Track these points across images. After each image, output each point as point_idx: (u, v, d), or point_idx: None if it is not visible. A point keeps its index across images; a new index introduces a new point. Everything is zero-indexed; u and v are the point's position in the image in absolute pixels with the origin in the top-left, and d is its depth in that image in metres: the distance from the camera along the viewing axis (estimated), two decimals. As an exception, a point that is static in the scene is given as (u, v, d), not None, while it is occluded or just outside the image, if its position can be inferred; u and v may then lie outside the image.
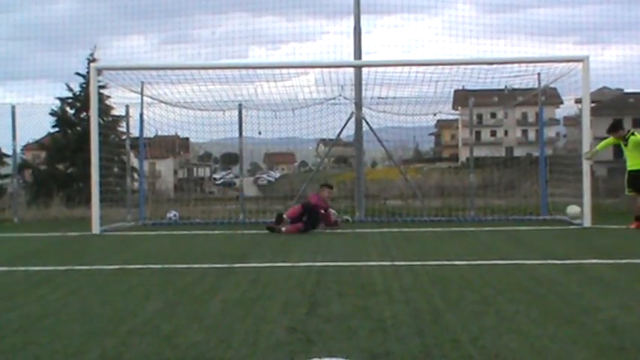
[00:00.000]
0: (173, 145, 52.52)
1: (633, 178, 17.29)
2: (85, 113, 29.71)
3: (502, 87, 28.31)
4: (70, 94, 31.56)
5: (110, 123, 28.84)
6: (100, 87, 23.49)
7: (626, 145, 17.48)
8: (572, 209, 18.52)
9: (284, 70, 20.90)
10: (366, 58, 22.15)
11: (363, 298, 8.81)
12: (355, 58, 21.36)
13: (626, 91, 60.35)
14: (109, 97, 27.36)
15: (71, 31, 31.47)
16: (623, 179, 18.15)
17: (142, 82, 20.89)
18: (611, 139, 18.41)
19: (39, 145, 33.94)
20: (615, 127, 18.02)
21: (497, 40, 35.01)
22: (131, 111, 22.54)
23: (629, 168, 17.46)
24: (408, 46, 44.41)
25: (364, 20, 21.96)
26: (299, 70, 23.34)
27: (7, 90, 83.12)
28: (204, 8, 33.74)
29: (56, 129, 32.02)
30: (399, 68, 20.56)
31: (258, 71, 20.82)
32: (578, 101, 20.36)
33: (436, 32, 44.57)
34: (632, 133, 17.56)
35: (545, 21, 30.17)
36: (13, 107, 22.73)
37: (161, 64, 21.25)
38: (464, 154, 76.58)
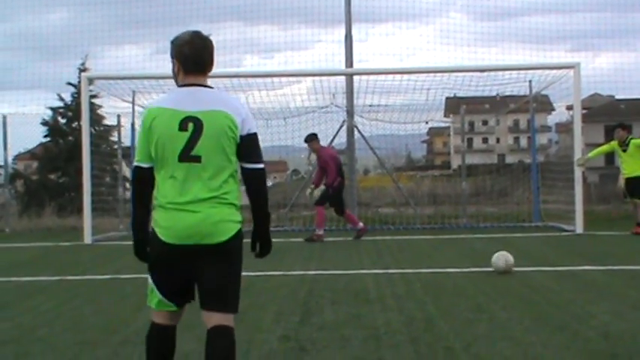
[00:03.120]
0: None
1: (633, 185, 17.08)
2: (76, 123, 29.56)
3: (494, 94, 28.38)
4: (61, 104, 31.47)
5: (102, 132, 28.77)
6: (92, 96, 23.45)
7: (624, 151, 17.23)
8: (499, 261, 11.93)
9: (276, 79, 20.91)
10: (359, 66, 22.13)
11: (356, 306, 8.81)
12: (347, 66, 21.33)
13: (617, 97, 60.45)
14: (100, 106, 27.26)
15: (64, 41, 31.43)
16: (615, 186, 17.99)
17: (134, 92, 20.85)
18: (604, 147, 18.40)
19: (31, 154, 33.87)
20: (623, 126, 17.83)
21: (489, 47, 35.14)
22: (123, 120, 22.53)
23: (626, 175, 17.25)
24: (400, 54, 44.50)
25: (357, 29, 22.02)
26: (291, 79, 23.32)
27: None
28: (198, 17, 33.75)
29: (48, 139, 31.91)
30: (391, 76, 20.56)
31: (251, 80, 20.82)
32: (570, 108, 20.36)
33: (428, 40, 44.78)
34: (632, 138, 17.43)
35: (537, 29, 30.17)
36: (4, 117, 22.65)
37: (151, 74, 21.11)
38: (456, 162, 76.72)
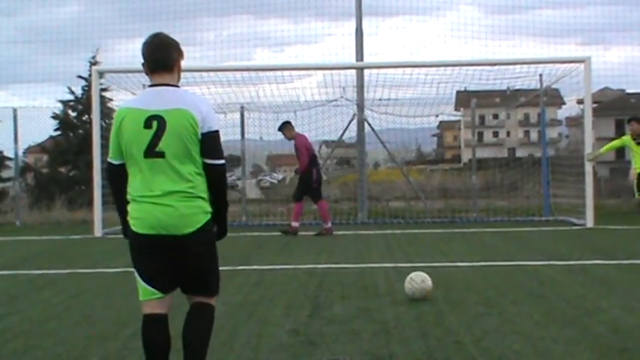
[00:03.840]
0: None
1: None
2: (87, 116, 29.62)
3: (504, 88, 28.31)
4: (72, 97, 31.50)
5: (112, 126, 28.83)
6: (102, 90, 23.41)
7: (639, 144, 17.01)
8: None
9: (287, 72, 20.89)
10: (369, 59, 22.10)
11: (365, 301, 8.81)
12: (357, 59, 21.32)
13: (628, 91, 60.29)
14: (111, 99, 27.27)
15: (75, 35, 31.45)
16: (625, 180, 17.85)
17: (144, 85, 20.83)
18: (615, 143, 18.25)
19: (41, 148, 33.87)
20: (638, 119, 17.65)
21: (499, 41, 34.94)
22: (133, 114, 22.49)
23: (638, 169, 17.09)
24: (411, 47, 44.38)
25: (368, 22, 22.00)
26: (302, 73, 23.26)
27: (10, 93, 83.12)
28: (208, 10, 33.75)
29: (58, 132, 31.94)
30: (401, 70, 20.55)
31: (261, 73, 20.84)
32: (580, 102, 20.27)
33: (439, 34, 44.69)
34: None
35: (548, 22, 30.24)
36: (15, 110, 22.67)
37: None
38: (466, 156, 76.48)
